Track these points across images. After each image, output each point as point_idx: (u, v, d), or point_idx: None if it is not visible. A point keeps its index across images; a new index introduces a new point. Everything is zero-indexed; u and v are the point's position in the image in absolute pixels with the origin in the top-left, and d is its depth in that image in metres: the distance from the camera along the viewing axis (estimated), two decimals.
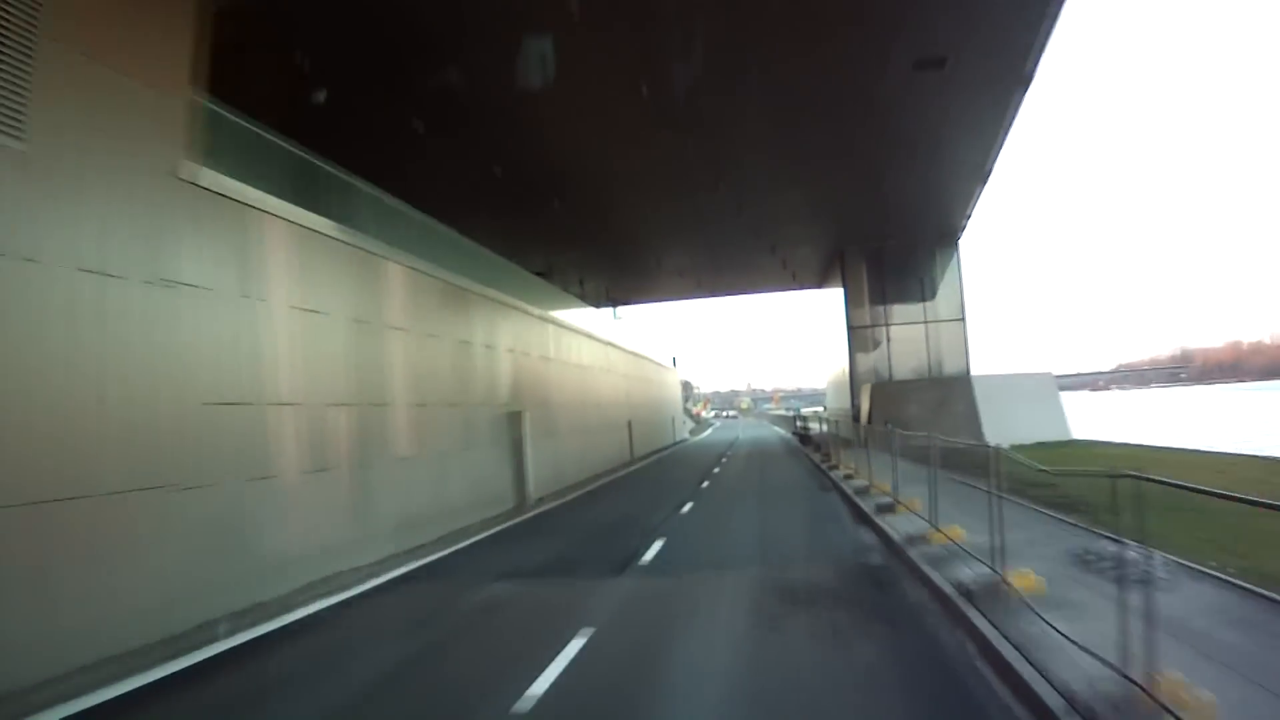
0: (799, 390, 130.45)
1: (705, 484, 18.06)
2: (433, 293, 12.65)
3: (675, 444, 41.42)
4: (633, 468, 25.15)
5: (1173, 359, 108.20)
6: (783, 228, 26.71)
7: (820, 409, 74.74)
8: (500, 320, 15.74)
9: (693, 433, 59.37)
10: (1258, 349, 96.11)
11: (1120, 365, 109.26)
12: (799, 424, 38.75)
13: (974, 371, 29.60)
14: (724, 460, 26.48)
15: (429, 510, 11.55)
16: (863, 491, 12.99)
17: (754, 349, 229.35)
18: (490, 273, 17.20)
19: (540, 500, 16.10)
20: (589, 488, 18.85)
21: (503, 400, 15.31)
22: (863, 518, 10.93)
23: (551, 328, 19.54)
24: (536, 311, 18.28)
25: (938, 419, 24.77)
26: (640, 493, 17.90)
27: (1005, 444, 20.12)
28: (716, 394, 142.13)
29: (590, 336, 24.37)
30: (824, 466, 19.62)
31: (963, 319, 30.85)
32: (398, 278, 11.46)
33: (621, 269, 32.09)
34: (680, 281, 36.28)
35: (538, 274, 25.48)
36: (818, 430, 35.08)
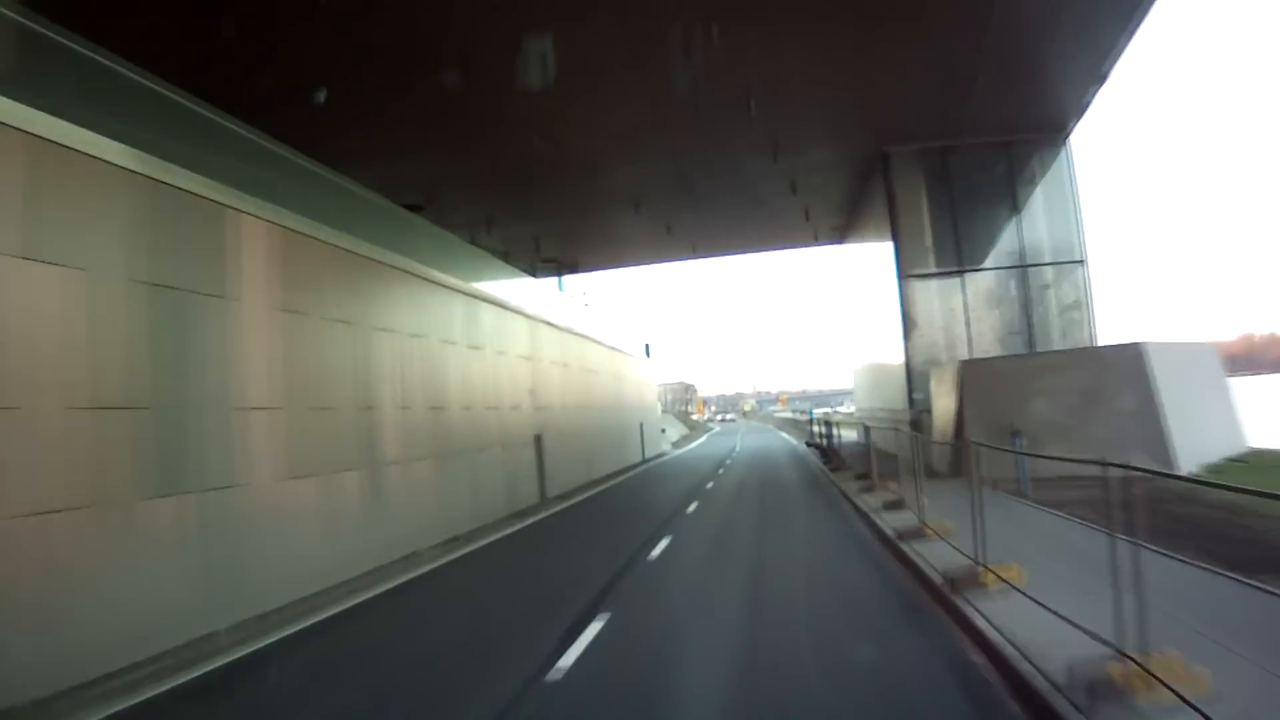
0: (805, 391, 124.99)
1: (598, 625, 6.36)
2: None
3: (644, 463, 29.58)
4: (516, 527, 13.38)
5: None
6: (791, 105, 15.40)
7: (831, 409, 62.88)
8: None
9: (680, 442, 47.53)
10: (1272, 341, 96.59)
11: None
12: (816, 430, 27.15)
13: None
14: (696, 505, 14.66)
15: None
16: None
17: (758, 351, 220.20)
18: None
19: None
20: (313, 620, 7.23)
21: None
22: None
23: (242, 220, 7.98)
24: (147, 169, 6.72)
25: (1085, 423, 13.33)
26: (404, 663, 6.23)
27: (1194, 465, 11.98)
28: (721, 397, 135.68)
29: (418, 275, 12.74)
30: (906, 547, 8.01)
31: (1082, 260, 19.27)
32: None
33: (547, 189, 20.24)
34: (642, 225, 24.50)
35: (410, 207, 14.63)
36: (851, 441, 23.14)
